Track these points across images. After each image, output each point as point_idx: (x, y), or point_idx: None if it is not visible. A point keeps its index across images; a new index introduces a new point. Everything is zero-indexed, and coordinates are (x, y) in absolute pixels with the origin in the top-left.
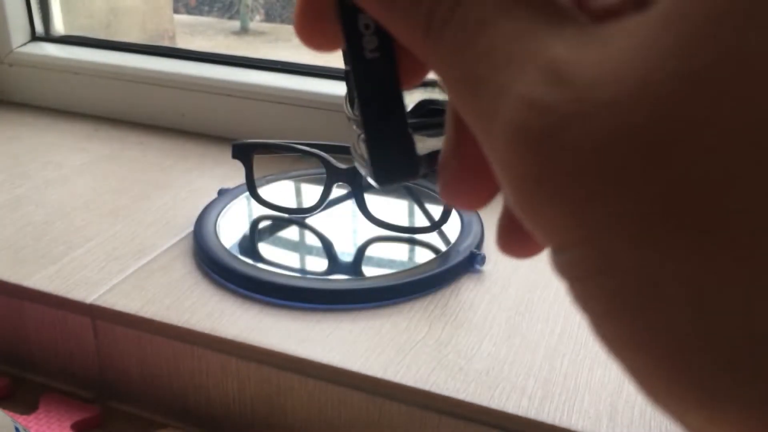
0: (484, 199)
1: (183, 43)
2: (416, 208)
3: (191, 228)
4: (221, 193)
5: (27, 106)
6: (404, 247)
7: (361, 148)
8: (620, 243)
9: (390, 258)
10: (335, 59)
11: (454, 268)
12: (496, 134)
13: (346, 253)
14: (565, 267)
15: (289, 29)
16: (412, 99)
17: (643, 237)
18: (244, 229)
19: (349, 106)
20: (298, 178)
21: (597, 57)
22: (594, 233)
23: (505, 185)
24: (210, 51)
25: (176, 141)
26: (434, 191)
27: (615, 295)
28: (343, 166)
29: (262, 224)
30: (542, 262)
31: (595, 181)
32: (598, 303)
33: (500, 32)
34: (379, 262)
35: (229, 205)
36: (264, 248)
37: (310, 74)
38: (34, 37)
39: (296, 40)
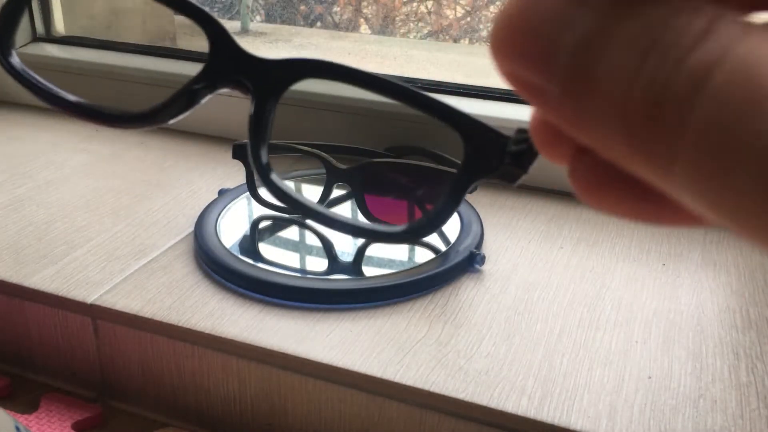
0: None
1: (184, 43)
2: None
3: (192, 228)
4: (222, 193)
5: (28, 106)
6: (404, 247)
7: None
8: None
9: (390, 258)
10: (336, 59)
11: (454, 268)
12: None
13: (346, 253)
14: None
15: (289, 30)
16: None
17: None
18: (245, 229)
19: None
20: (298, 178)
21: None
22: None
23: (698, 208)
24: None
25: (177, 141)
26: None
27: None
28: (343, 166)
29: (263, 224)
30: (542, 262)
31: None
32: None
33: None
34: (379, 262)
35: (229, 205)
36: (264, 248)
37: None
38: (35, 38)
39: (296, 40)
